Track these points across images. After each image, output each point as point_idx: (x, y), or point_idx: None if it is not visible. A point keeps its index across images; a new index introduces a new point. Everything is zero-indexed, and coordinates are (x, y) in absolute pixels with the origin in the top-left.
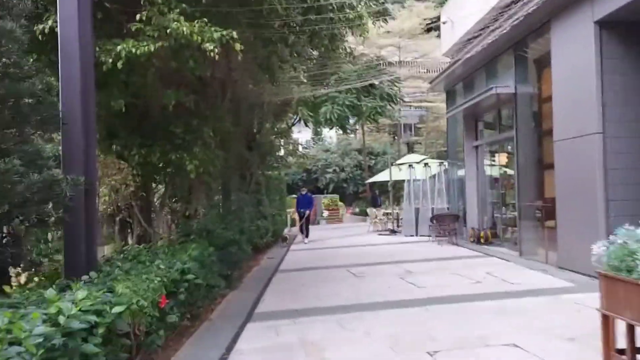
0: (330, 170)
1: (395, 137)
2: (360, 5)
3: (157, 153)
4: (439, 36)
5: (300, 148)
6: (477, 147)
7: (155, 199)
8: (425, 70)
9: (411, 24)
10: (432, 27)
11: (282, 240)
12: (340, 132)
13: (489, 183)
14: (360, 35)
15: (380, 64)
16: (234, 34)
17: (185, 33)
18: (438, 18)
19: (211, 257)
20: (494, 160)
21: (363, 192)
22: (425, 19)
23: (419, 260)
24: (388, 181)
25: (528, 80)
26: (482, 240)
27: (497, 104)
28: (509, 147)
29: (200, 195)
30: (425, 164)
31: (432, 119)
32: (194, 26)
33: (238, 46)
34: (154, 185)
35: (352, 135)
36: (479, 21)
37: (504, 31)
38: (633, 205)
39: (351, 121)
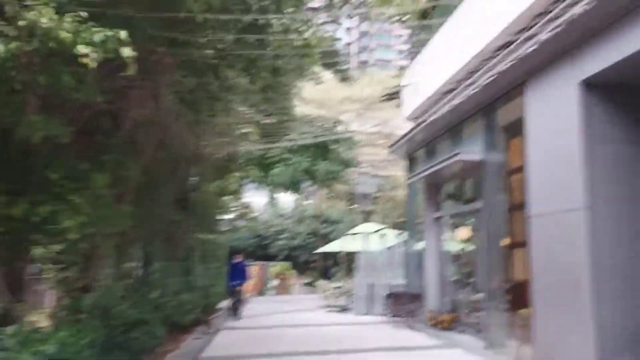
0: (283, 236)
1: (352, 206)
2: (308, 31)
3: (25, 204)
4: (399, 105)
5: (251, 211)
6: (438, 218)
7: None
8: (384, 138)
9: (371, 91)
10: (393, 95)
11: (204, 325)
12: (295, 196)
13: (451, 259)
14: (311, 82)
15: (337, 125)
16: (123, 34)
17: (53, 32)
18: (399, 87)
19: (88, 348)
20: (456, 235)
21: (314, 262)
22: (386, 87)
23: (370, 349)
24: (340, 252)
25: (498, 147)
26: (441, 325)
27: (463, 172)
28: (474, 221)
29: (100, 262)
30: (382, 235)
31: (390, 188)
32: (63, 22)
33: (127, 52)
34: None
35: (308, 201)
36: (444, 83)
37: (473, 92)
38: (625, 294)
39: (305, 185)
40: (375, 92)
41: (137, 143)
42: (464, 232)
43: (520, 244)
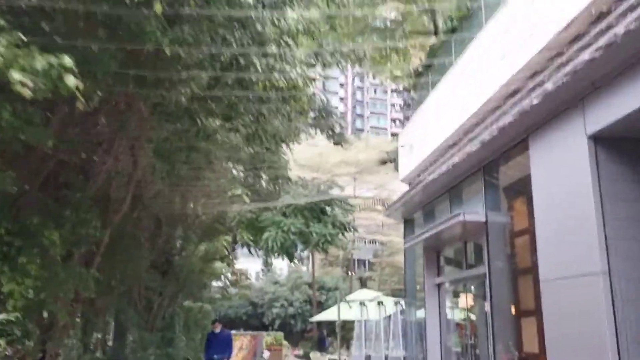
0: (277, 304)
1: (349, 272)
2: (294, 71)
3: None
4: (395, 168)
5: (244, 278)
6: (439, 285)
7: None
8: (381, 203)
9: (367, 155)
10: (388, 159)
11: None
12: (290, 262)
13: (454, 329)
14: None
15: (332, 187)
16: (67, 60)
17: None
18: (394, 151)
19: None
20: (459, 302)
21: (309, 332)
22: (381, 151)
23: None
24: (336, 321)
25: (501, 207)
26: None
27: (464, 235)
28: (477, 287)
29: (62, 333)
30: (379, 302)
31: (387, 254)
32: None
33: (72, 80)
34: None
35: (304, 268)
36: (442, 142)
37: (473, 149)
38: None
39: (299, 250)
40: (370, 156)
41: (109, 199)
42: (467, 299)
43: (529, 312)
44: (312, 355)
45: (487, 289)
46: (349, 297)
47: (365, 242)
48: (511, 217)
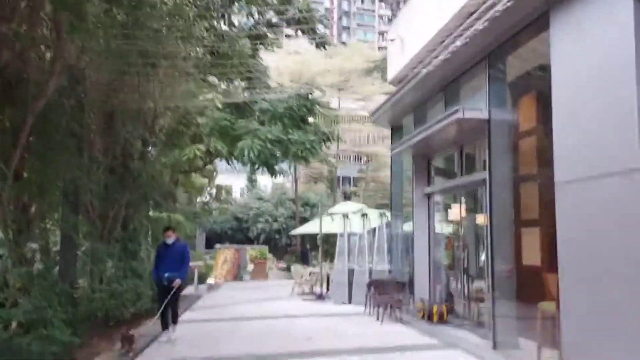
0: (262, 219)
1: (332, 189)
2: None
3: None
4: (382, 77)
5: (227, 193)
6: (429, 195)
7: None
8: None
9: (353, 64)
10: (375, 68)
11: (122, 342)
12: (272, 176)
13: (445, 242)
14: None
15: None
16: None
17: None
18: (381, 60)
19: None
20: (451, 213)
21: (292, 246)
22: (368, 61)
23: (349, 351)
24: (318, 234)
25: (507, 103)
26: (434, 318)
27: (461, 137)
28: (474, 196)
29: None
30: (364, 215)
31: (372, 169)
32: None
33: None
34: None
35: (288, 185)
36: (439, 30)
37: (478, 30)
38: None
39: (280, 162)
40: (356, 65)
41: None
42: (461, 209)
43: (531, 221)
44: (292, 268)
45: (487, 197)
46: (332, 210)
47: (350, 159)
48: (518, 114)
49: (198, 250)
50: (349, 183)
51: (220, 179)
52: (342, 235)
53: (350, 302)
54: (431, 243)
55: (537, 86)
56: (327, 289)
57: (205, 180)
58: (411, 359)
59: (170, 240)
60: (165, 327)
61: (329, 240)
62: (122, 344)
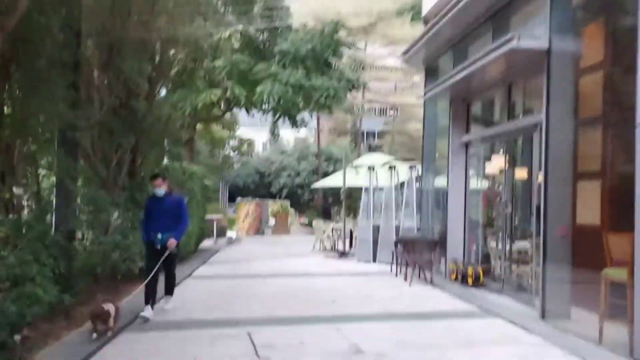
0: (284, 174)
1: (356, 143)
2: None
3: None
4: (415, 19)
5: (249, 146)
6: (467, 144)
7: None
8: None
9: (382, 6)
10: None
11: (93, 321)
12: (293, 127)
13: (490, 197)
14: None
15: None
16: None
17: None
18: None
19: None
20: (493, 164)
21: (315, 201)
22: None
23: (378, 316)
24: (341, 188)
25: (572, 31)
26: (469, 281)
27: (511, 73)
28: (523, 144)
29: None
30: (391, 167)
31: (399, 121)
32: None
33: None
34: None
35: (311, 139)
36: None
37: None
38: None
39: (304, 114)
40: (387, 7)
41: None
42: (503, 160)
43: (591, 174)
44: (314, 223)
45: (542, 145)
46: (357, 162)
47: (375, 111)
48: (584, 45)
49: (221, 204)
50: (373, 137)
51: (243, 133)
52: (367, 189)
53: (374, 260)
54: (467, 198)
55: (610, 12)
56: (350, 246)
57: (226, 132)
58: (448, 327)
59: (160, 191)
60: (149, 300)
61: (352, 195)
62: (92, 323)
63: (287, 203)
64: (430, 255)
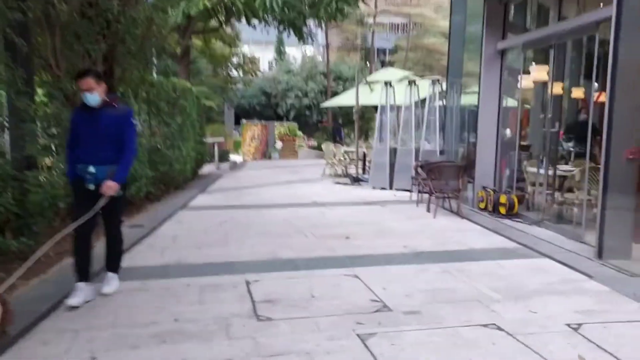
0: (291, 94)
1: (367, 62)
2: None
3: None
4: None
5: (252, 64)
6: (503, 52)
7: None
8: None
9: None
10: None
11: None
12: (299, 41)
13: (520, 114)
14: None
15: None
16: None
17: None
18: None
19: None
20: (534, 76)
21: (324, 122)
22: None
23: (399, 257)
24: (353, 107)
25: None
26: (502, 210)
27: None
28: (578, 48)
29: None
30: (411, 82)
31: (415, 36)
32: None
33: None
34: None
35: (319, 58)
36: None
37: None
38: None
39: (311, 26)
40: None
41: None
42: (549, 71)
43: None
44: (324, 146)
45: (612, 48)
46: (371, 78)
47: (387, 27)
48: None
49: (227, 125)
50: (384, 54)
51: (247, 51)
52: (383, 107)
53: (391, 187)
54: (501, 116)
55: None
56: (363, 171)
57: (227, 49)
58: (488, 272)
59: (92, 98)
60: (82, 275)
61: (365, 115)
62: None
63: (295, 125)
64: (457, 182)
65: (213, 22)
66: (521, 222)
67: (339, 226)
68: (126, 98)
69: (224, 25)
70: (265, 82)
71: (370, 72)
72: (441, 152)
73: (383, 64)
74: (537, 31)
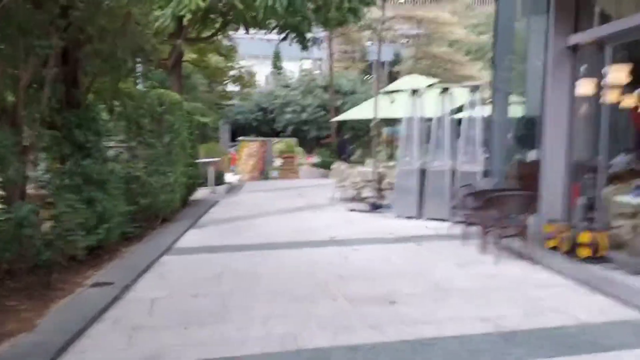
0: (289, 109)
1: (368, 75)
2: None
3: None
4: None
5: (250, 77)
6: (575, 48)
7: None
8: None
9: None
10: None
11: None
12: (304, 49)
13: (609, 122)
14: None
15: None
16: None
17: None
18: None
19: None
20: (615, 75)
21: (327, 137)
22: None
23: (476, 336)
24: (368, 120)
25: None
26: (582, 252)
27: None
28: None
29: None
30: (444, 91)
31: (424, 43)
32: None
33: None
34: None
35: (317, 71)
36: None
37: None
38: None
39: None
40: None
41: None
42: (625, 70)
43: None
44: (334, 166)
45: None
46: (391, 87)
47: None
48: None
49: (222, 142)
50: (383, 66)
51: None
52: (409, 120)
53: (420, 216)
54: (572, 128)
55: None
56: (380, 192)
57: (223, 62)
58: None
59: None
60: None
61: (376, 130)
62: None
63: (294, 141)
64: (524, 216)
65: (209, 28)
66: (617, 270)
67: (374, 279)
68: (94, 113)
69: (219, 34)
70: (261, 97)
71: (377, 86)
72: (485, 174)
73: (391, 75)
74: (627, 20)
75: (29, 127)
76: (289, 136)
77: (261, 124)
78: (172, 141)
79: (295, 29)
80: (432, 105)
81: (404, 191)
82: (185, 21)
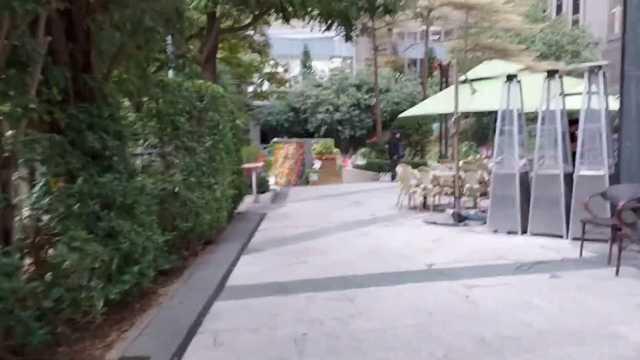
0: (322, 109)
1: (400, 73)
2: None
3: None
4: None
5: (283, 74)
6: None
7: None
8: None
9: None
10: None
11: None
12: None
13: None
14: None
15: None
16: None
17: None
18: None
19: None
20: None
21: (372, 137)
22: None
23: None
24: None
25: None
26: None
27: None
28: None
29: None
30: (551, 75)
31: (475, 32)
32: None
33: None
34: None
35: (347, 70)
36: None
37: None
38: None
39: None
40: None
41: None
42: None
43: None
44: (399, 168)
45: None
46: (472, 73)
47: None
48: None
49: (254, 146)
50: (415, 65)
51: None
52: (505, 113)
53: (524, 231)
54: None
55: None
56: (460, 196)
57: (256, 56)
58: None
59: None
60: None
61: (421, 127)
62: None
63: (331, 142)
64: None
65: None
66: None
67: (534, 347)
68: (115, 109)
69: (255, 25)
70: (292, 97)
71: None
72: (612, 178)
73: (441, 67)
74: None
75: (12, 128)
76: (323, 136)
77: (293, 125)
78: (216, 145)
79: (341, 15)
80: (531, 94)
81: (502, 200)
82: (218, 8)
